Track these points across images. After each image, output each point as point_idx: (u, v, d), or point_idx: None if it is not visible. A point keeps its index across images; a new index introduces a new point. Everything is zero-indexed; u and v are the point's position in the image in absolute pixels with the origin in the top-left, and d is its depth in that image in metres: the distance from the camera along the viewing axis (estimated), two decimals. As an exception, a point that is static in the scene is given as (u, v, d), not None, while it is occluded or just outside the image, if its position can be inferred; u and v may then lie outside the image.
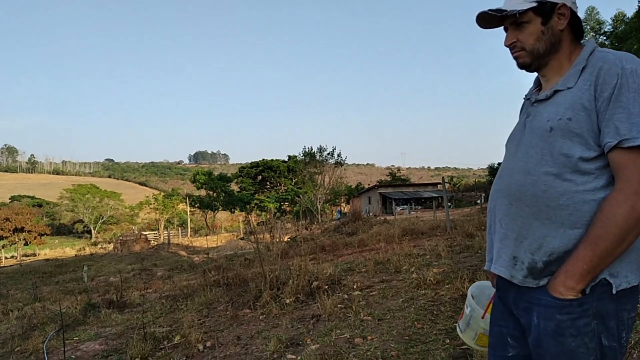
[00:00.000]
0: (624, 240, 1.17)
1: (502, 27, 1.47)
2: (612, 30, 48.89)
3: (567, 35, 1.39)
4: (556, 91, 1.35)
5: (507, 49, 1.46)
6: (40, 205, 75.40)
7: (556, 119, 1.30)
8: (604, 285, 1.23)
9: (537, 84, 1.52)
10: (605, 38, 49.49)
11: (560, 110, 1.30)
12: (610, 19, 50.09)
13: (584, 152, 1.26)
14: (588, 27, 51.33)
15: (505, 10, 1.36)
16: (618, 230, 1.16)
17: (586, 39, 1.53)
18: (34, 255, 39.49)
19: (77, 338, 5.21)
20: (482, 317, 1.77)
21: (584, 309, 1.22)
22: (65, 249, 43.85)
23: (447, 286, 4.80)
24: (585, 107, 1.26)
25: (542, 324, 1.27)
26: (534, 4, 1.34)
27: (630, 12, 44.94)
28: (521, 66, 1.44)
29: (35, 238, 43.68)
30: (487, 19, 1.45)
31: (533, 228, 1.29)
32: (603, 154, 1.26)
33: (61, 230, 74.31)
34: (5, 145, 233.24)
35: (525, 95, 1.57)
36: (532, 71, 1.46)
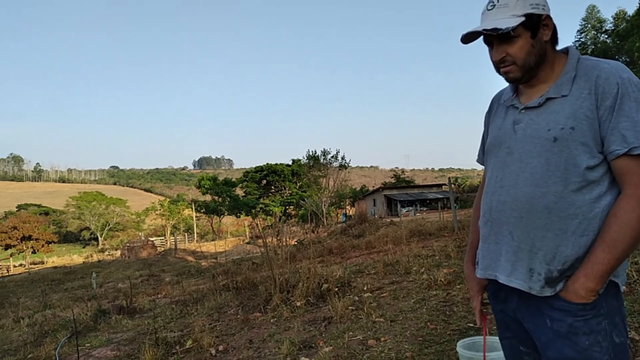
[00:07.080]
0: (637, 243, 1.23)
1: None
2: (613, 28, 48.62)
3: (549, 44, 1.38)
4: (549, 99, 1.34)
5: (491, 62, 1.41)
6: (47, 214, 75.76)
7: (558, 128, 1.29)
8: (610, 285, 1.29)
9: (515, 89, 1.49)
10: (606, 36, 49.27)
11: (561, 119, 1.30)
12: (612, 17, 49.71)
13: (589, 160, 1.27)
14: (589, 25, 51.13)
15: (501, 29, 1.30)
16: (635, 233, 1.21)
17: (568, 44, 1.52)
18: (42, 263, 39.63)
19: (88, 344, 5.22)
20: (485, 335, 1.74)
21: (597, 309, 1.26)
22: (73, 256, 44.01)
23: (458, 286, 4.78)
24: (587, 116, 1.27)
25: (555, 326, 1.29)
26: (523, 19, 1.31)
27: (631, 10, 44.71)
28: (512, 81, 1.41)
29: (42, 246, 43.97)
30: (471, 36, 1.40)
31: (546, 239, 1.30)
32: (603, 161, 1.29)
33: (68, 238, 74.70)
34: (11, 154, 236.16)
35: (502, 99, 1.54)
36: (522, 84, 1.43)
